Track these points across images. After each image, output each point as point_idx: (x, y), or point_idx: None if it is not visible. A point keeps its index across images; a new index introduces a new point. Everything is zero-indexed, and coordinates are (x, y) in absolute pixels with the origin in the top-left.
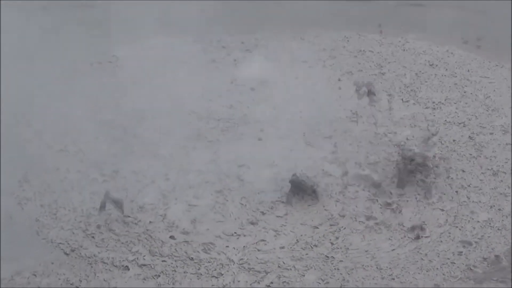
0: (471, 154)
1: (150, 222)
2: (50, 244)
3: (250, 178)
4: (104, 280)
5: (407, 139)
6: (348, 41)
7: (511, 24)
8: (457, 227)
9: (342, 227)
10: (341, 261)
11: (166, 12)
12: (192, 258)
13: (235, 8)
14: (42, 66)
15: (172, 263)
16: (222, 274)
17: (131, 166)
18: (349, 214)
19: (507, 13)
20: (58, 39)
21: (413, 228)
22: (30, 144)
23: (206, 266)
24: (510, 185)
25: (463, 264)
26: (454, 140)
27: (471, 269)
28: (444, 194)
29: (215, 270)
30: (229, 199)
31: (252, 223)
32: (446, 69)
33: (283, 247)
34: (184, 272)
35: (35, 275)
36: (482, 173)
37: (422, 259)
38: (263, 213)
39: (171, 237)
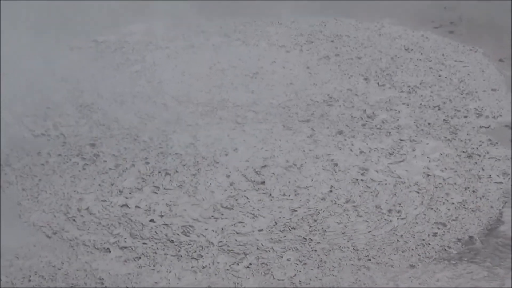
0: (445, 137)
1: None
2: (32, 227)
3: (228, 162)
4: (86, 262)
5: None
6: (325, 25)
7: None
8: (432, 208)
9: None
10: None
11: None
12: (172, 240)
13: None
14: (22, 50)
15: (152, 245)
16: (202, 256)
17: (111, 149)
18: None
19: None
20: (38, 23)
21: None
22: (11, 128)
23: (186, 248)
24: (484, 168)
25: (437, 245)
26: (429, 123)
27: (445, 249)
28: None
29: (195, 252)
30: (203, 183)
31: (228, 208)
32: (421, 53)
33: (261, 230)
34: (165, 254)
35: (17, 257)
36: (457, 155)
37: (397, 240)
38: (236, 200)
39: (151, 220)
